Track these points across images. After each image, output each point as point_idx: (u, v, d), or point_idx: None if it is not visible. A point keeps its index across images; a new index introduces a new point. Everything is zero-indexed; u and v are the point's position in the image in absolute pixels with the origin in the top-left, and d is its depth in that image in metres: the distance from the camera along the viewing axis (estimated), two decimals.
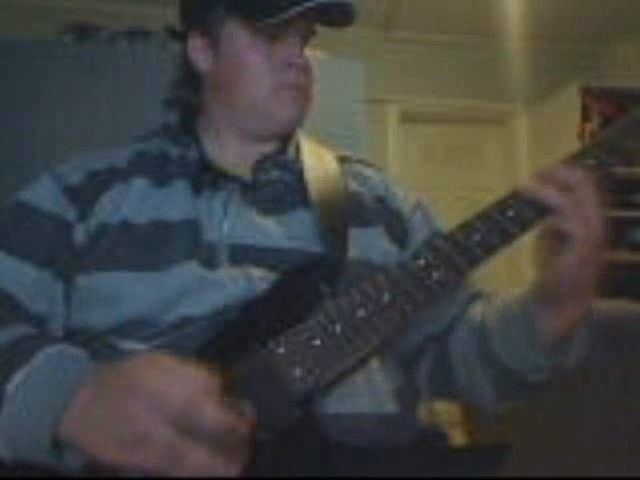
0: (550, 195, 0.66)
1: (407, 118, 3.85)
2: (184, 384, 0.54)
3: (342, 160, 0.93)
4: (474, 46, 3.81)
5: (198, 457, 0.52)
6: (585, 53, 3.93)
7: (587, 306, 0.69)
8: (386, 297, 0.66)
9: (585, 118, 3.37)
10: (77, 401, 0.57)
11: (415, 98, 3.80)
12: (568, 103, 3.44)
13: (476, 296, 0.85)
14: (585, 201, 0.65)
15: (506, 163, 4.03)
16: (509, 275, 3.53)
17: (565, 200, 0.65)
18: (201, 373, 0.55)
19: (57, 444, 0.58)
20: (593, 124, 3.36)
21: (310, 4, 0.79)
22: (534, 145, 3.85)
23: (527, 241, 0.70)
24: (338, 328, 0.65)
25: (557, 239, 0.66)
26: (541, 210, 0.67)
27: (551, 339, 0.69)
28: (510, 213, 0.68)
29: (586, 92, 3.39)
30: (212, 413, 0.53)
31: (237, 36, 0.84)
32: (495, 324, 0.75)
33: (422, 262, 0.67)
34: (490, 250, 0.68)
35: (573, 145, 3.27)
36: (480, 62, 3.79)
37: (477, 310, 0.81)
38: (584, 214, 0.64)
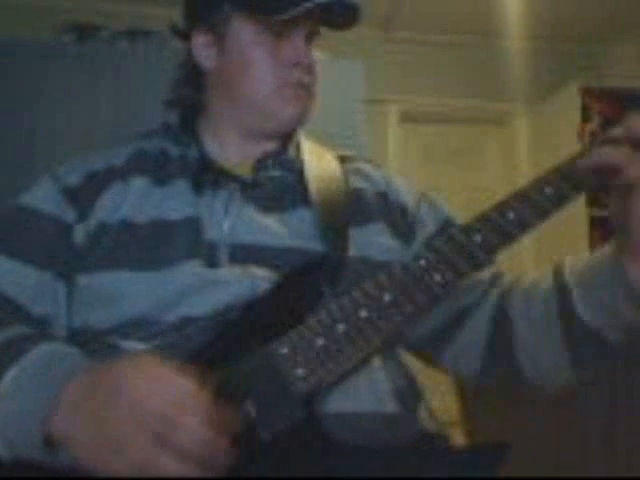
0: (612, 155, 0.65)
1: (407, 118, 3.86)
2: (166, 395, 0.54)
3: (342, 159, 0.94)
4: (474, 46, 3.81)
5: (170, 467, 0.52)
6: (585, 53, 3.93)
7: None
8: (388, 297, 0.66)
9: (585, 118, 3.37)
10: (66, 399, 0.58)
11: (415, 98, 3.80)
12: (568, 103, 3.44)
13: (500, 271, 0.84)
14: None
15: (506, 163, 4.03)
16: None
17: (625, 155, 0.64)
18: (188, 383, 0.55)
19: (49, 441, 0.58)
20: (593, 124, 3.36)
21: (313, 3, 0.79)
22: (534, 145, 3.85)
23: (527, 242, 0.70)
24: (340, 328, 0.65)
25: (626, 191, 0.65)
26: (542, 212, 0.67)
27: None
28: (511, 215, 0.68)
29: (586, 92, 3.38)
30: (187, 428, 0.53)
31: (243, 33, 0.84)
32: (577, 281, 0.73)
33: (423, 263, 0.67)
34: (490, 251, 0.68)
35: (573, 145, 3.27)
36: (480, 62, 3.79)
37: (541, 276, 0.79)
38: None
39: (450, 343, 0.84)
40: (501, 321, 0.80)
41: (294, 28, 0.83)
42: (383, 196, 0.89)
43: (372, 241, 0.82)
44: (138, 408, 0.53)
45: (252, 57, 0.84)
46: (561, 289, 0.74)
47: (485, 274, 0.83)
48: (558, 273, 0.76)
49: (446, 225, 0.88)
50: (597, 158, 0.67)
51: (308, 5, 0.79)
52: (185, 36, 0.90)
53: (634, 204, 0.64)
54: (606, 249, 0.72)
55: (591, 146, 0.69)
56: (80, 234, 0.79)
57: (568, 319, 0.73)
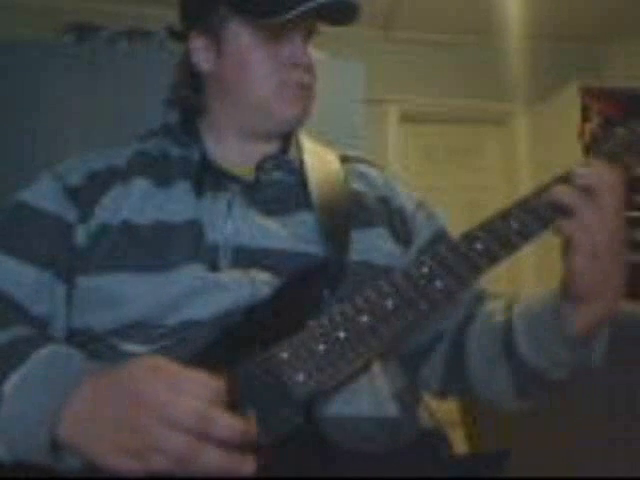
0: (567, 195, 0.65)
1: (407, 118, 3.85)
2: (192, 394, 0.54)
3: (344, 160, 0.93)
4: (474, 46, 3.81)
5: (212, 460, 0.53)
6: (585, 53, 3.93)
7: (611, 304, 0.67)
8: (389, 304, 0.66)
9: (585, 118, 3.36)
10: (75, 404, 0.57)
11: (415, 98, 3.80)
12: (568, 103, 3.43)
13: (482, 294, 0.85)
14: (595, 207, 0.63)
15: (506, 163, 4.02)
16: (510, 279, 3.54)
17: (579, 203, 0.64)
18: (207, 380, 0.55)
19: (56, 446, 0.58)
20: (593, 124, 3.35)
21: (313, 4, 0.78)
22: (534, 145, 3.85)
23: (528, 248, 0.69)
24: (341, 334, 0.65)
25: (565, 244, 0.65)
26: (545, 221, 0.67)
27: (577, 335, 0.68)
28: (514, 223, 0.67)
29: (586, 92, 3.38)
30: (224, 421, 0.53)
31: (240, 35, 0.84)
32: (521, 322, 0.74)
33: (425, 270, 0.67)
34: (493, 260, 0.67)
35: (573, 145, 3.27)
36: (480, 62, 3.79)
37: (496, 307, 0.80)
38: (587, 220, 0.63)
39: (424, 365, 0.84)
40: (459, 348, 0.81)
41: (292, 28, 0.83)
42: (384, 201, 0.89)
43: (374, 245, 0.82)
44: (165, 411, 0.53)
45: (251, 59, 0.83)
46: (508, 328, 0.75)
47: (466, 296, 0.84)
48: (509, 310, 0.77)
49: (439, 237, 0.89)
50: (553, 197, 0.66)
51: (306, 7, 0.78)
52: (181, 38, 0.90)
53: (570, 259, 0.64)
54: (550, 292, 0.72)
55: (592, 151, 0.69)
56: (81, 235, 0.79)
57: (512, 357, 0.75)
